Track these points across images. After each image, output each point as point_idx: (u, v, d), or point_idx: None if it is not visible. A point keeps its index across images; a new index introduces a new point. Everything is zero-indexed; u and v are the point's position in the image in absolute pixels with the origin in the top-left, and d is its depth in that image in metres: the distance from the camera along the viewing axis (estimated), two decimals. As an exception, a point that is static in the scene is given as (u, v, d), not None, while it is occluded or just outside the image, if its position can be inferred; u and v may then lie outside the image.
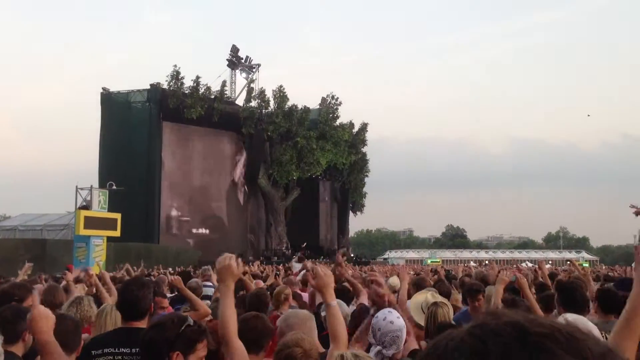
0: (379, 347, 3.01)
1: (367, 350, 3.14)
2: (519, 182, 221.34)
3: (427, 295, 4.72)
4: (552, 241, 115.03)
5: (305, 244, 43.94)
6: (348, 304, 5.01)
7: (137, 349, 2.95)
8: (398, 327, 3.04)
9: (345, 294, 5.34)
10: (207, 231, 39.89)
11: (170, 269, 16.09)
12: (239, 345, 2.71)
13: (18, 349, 3.05)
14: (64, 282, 6.12)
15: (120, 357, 3.06)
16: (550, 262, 56.29)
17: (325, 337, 3.54)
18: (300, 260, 13.93)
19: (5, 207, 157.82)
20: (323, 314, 3.67)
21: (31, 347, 3.14)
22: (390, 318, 3.05)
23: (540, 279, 8.13)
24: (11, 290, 4.25)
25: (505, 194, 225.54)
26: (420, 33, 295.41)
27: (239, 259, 3.00)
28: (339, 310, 2.92)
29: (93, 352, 3.08)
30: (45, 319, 2.54)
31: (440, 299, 4.62)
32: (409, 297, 5.09)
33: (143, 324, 3.21)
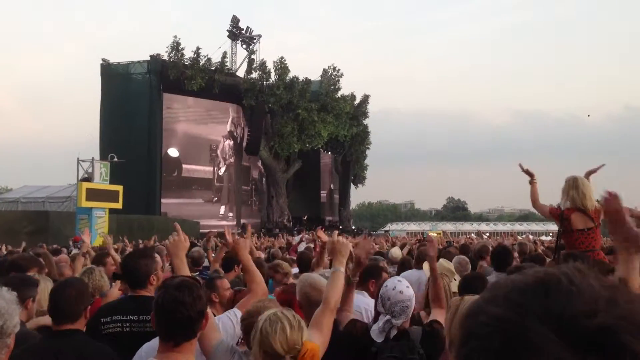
0: (388, 317, 2.98)
1: (375, 320, 3.12)
2: (521, 154, 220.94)
3: (441, 261, 4.70)
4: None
5: (306, 216, 44.10)
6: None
7: (144, 316, 3.03)
8: (407, 296, 3.02)
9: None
10: (208, 203, 39.97)
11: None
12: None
13: (21, 316, 3.09)
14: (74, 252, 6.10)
15: (128, 324, 3.15)
16: (550, 234, 56.49)
17: None
18: (301, 233, 14.03)
19: (7, 179, 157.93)
20: None
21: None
22: (400, 288, 3.03)
23: (540, 250, 8.17)
24: (18, 260, 4.31)
25: (506, 167, 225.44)
26: (423, 4, 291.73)
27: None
28: (342, 279, 3.00)
29: (102, 319, 3.18)
30: None
31: (452, 267, 4.60)
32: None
33: (149, 292, 3.26)
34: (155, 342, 2.60)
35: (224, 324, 2.90)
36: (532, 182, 5.16)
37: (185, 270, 2.93)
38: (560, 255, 4.73)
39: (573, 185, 4.85)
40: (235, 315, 2.95)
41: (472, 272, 4.10)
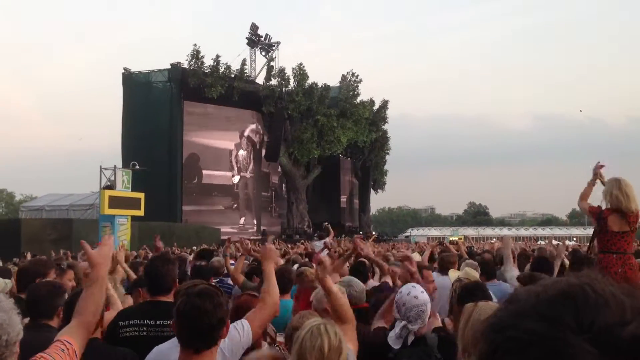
0: (404, 322, 3.00)
1: (392, 326, 3.14)
2: (542, 158, 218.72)
3: (467, 269, 4.70)
4: (576, 218, 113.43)
5: (326, 222, 44.03)
6: (364, 281, 4.99)
7: (161, 321, 3.06)
8: (423, 301, 3.03)
9: (360, 271, 5.33)
10: (229, 209, 40.17)
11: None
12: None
13: (53, 324, 3.12)
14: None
15: (145, 329, 3.17)
16: (574, 238, 55.70)
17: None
18: (321, 238, 13.88)
19: (32, 188, 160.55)
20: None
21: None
22: (415, 293, 3.05)
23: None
24: (33, 267, 4.34)
25: (528, 171, 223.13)
26: (440, 7, 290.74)
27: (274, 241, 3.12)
28: (340, 294, 3.07)
29: (120, 323, 3.21)
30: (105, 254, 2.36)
31: (474, 274, 4.58)
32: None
33: (169, 298, 3.28)
34: (165, 345, 2.63)
35: (231, 335, 2.86)
36: (591, 183, 5.22)
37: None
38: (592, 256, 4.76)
39: (617, 186, 4.86)
40: (242, 326, 2.84)
41: (472, 281, 4.08)
